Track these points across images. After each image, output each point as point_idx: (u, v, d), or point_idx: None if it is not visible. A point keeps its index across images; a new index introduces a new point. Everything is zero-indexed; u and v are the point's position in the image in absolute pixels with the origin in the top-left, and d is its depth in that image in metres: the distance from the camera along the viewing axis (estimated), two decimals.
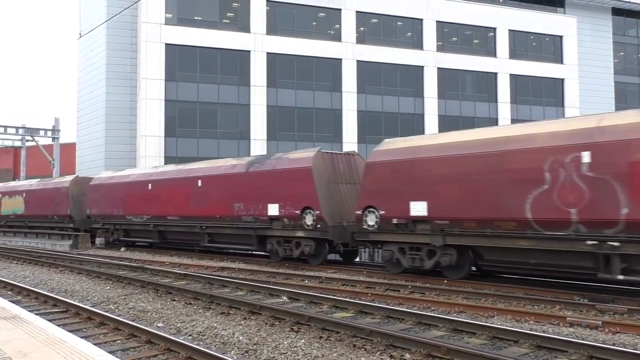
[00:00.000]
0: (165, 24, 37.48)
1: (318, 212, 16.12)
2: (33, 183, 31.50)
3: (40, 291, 12.20)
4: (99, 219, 25.77)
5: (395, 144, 14.77)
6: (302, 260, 17.52)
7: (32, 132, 45.81)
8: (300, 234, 16.79)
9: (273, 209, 17.51)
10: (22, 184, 33.77)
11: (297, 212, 16.64)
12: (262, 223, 17.96)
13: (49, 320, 8.42)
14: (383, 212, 14.34)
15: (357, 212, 15.03)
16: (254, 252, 20.38)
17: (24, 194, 31.32)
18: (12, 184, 36.11)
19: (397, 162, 14.16)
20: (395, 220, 14.09)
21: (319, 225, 16.20)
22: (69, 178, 28.54)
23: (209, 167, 20.82)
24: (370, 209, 14.65)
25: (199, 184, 20.42)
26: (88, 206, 26.27)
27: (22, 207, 31.33)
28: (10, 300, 10.48)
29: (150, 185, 22.78)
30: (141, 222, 23.34)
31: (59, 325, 8.07)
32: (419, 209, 13.44)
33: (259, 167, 18.37)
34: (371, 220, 14.66)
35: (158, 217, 22.36)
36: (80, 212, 27.02)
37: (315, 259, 16.97)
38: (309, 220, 16.47)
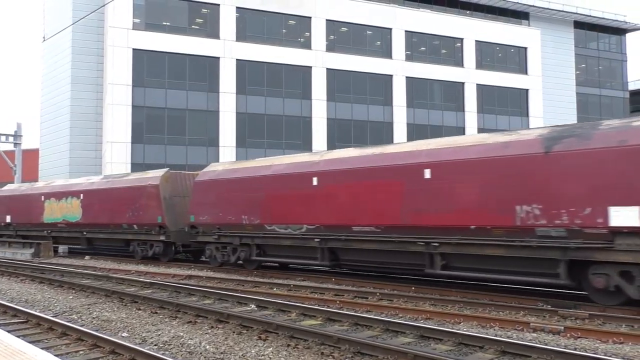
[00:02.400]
0: (133, 29, 37.03)
1: None
2: (95, 181, 24.65)
3: None
4: (212, 230, 18.48)
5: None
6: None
7: None
8: None
9: None
10: (78, 182, 26.12)
11: None
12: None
13: (9, 331, 8.18)
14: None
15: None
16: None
17: (82, 196, 24.36)
18: (61, 182, 28.21)
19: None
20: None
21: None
22: (158, 173, 21.50)
23: (449, 147, 12.82)
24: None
25: (427, 175, 12.84)
26: (191, 211, 19.22)
27: (79, 213, 24.33)
28: None
29: (316, 179, 15.37)
30: (294, 235, 15.88)
31: (18, 337, 7.85)
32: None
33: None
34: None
35: (333, 228, 14.87)
36: (176, 220, 20.59)
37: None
38: None
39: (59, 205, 25.62)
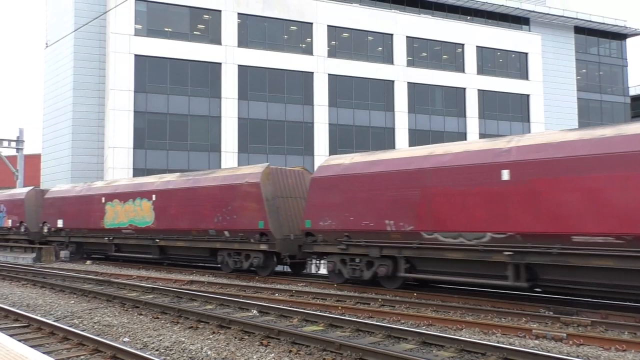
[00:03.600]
0: (135, 35, 37.14)
1: None
2: (171, 179, 20.97)
3: (1, 305, 11.82)
4: (337, 238, 14.83)
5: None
6: None
7: None
8: None
9: None
10: (148, 180, 22.45)
11: None
12: None
13: (10, 336, 8.17)
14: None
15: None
16: None
17: (154, 197, 20.94)
18: (125, 181, 24.34)
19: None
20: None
21: None
22: (256, 169, 17.66)
23: None
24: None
25: None
26: (308, 215, 15.59)
27: (150, 217, 21.06)
28: None
29: (507, 172, 11.59)
30: (468, 246, 12.25)
31: (20, 341, 7.84)
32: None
33: None
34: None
35: (536, 238, 11.17)
36: (280, 226, 16.98)
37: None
38: None
39: (125, 208, 22.17)
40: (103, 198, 23.52)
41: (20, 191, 29.95)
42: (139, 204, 21.48)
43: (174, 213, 19.93)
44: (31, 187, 29.57)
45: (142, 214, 21.31)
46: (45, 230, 26.98)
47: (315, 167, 18.52)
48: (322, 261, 16.82)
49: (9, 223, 29.60)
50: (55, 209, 26.42)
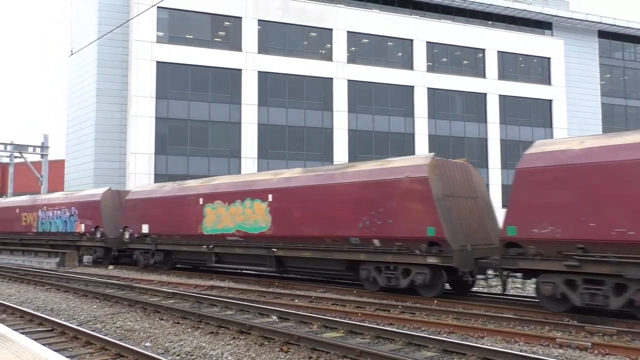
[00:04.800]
0: (157, 42, 37.63)
1: None
2: (293, 175, 17.41)
3: (25, 310, 12.01)
4: (565, 250, 10.99)
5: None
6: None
7: (21, 148, 45.53)
8: None
9: None
10: (261, 177, 18.78)
11: None
12: None
13: (35, 340, 8.29)
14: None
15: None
16: None
17: (270, 197, 17.38)
18: (229, 179, 20.70)
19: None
20: None
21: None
22: (419, 160, 14.25)
23: None
24: None
25: None
26: (514, 219, 11.74)
27: (265, 222, 17.45)
28: None
29: None
30: None
31: (44, 345, 7.95)
32: None
33: None
34: None
35: None
36: (455, 233, 13.35)
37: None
38: None
39: (231, 211, 18.65)
40: (201, 199, 20.05)
41: (95, 192, 26.82)
42: (250, 205, 17.95)
43: (299, 217, 16.40)
44: (107, 188, 26.57)
45: (253, 217, 17.74)
46: (127, 236, 23.62)
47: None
48: (524, 279, 12.70)
49: (82, 228, 26.13)
50: (139, 212, 23.08)
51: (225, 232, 18.84)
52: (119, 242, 24.32)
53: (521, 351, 8.19)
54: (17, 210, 31.71)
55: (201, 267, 22.00)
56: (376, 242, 14.48)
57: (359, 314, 11.60)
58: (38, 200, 30.74)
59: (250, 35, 39.71)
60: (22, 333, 8.99)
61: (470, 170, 14.90)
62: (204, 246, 19.73)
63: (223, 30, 39.98)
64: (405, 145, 42.44)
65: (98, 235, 25.27)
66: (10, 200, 35.31)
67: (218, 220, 19.20)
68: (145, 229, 22.66)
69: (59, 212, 28.18)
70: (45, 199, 30.61)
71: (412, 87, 43.44)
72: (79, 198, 27.23)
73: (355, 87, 41.83)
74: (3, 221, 33.07)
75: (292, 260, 17.24)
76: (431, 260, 13.31)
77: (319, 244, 15.86)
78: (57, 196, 29.80)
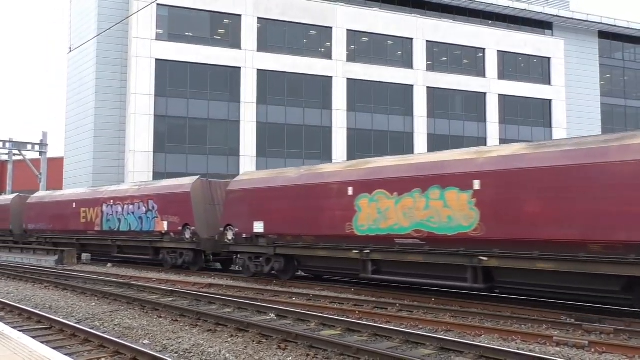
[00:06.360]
0: (156, 40, 37.60)
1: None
2: (509, 153, 12.47)
3: (24, 307, 12.03)
4: None
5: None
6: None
7: (20, 146, 45.52)
8: None
9: None
10: (458, 157, 13.45)
11: None
12: None
13: (33, 337, 8.30)
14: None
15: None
16: None
17: (477, 184, 12.51)
18: (391, 161, 15.07)
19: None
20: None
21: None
22: None
23: None
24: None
25: None
26: None
27: (466, 218, 12.49)
28: None
29: None
30: None
31: (42, 342, 7.95)
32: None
33: None
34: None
35: None
36: None
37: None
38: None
39: (403, 203, 13.79)
40: (350, 188, 15.04)
41: (181, 182, 22.04)
42: (439, 196, 13.07)
43: (534, 211, 11.43)
44: (196, 177, 21.73)
45: (446, 213, 12.91)
46: (230, 237, 18.74)
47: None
48: None
49: (164, 226, 21.61)
50: (250, 206, 18.12)
51: (395, 232, 13.90)
52: (213, 243, 19.93)
53: (518, 349, 8.21)
54: (74, 205, 27.07)
55: (345, 278, 17.17)
56: None
57: (357, 312, 11.62)
58: (103, 193, 25.91)
59: (249, 33, 39.68)
60: (21, 331, 9.01)
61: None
62: (355, 251, 14.77)
63: (222, 28, 39.95)
64: (405, 144, 42.45)
65: (187, 235, 20.60)
66: (64, 194, 30.61)
67: (381, 216, 14.24)
68: (258, 227, 17.74)
69: (131, 206, 23.46)
70: (112, 190, 25.73)
71: (412, 86, 43.45)
72: (159, 189, 22.57)
73: (355, 86, 41.83)
74: (55, 218, 28.59)
75: (514, 274, 12.09)
76: None
77: (574, 252, 10.83)
78: (127, 187, 25.23)
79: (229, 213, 18.95)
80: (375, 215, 14.36)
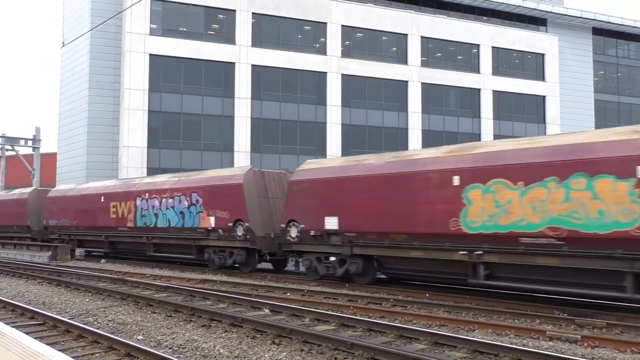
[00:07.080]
0: (150, 35, 37.42)
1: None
2: None
3: (17, 303, 11.97)
4: None
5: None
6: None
7: (12, 141, 45.21)
8: None
9: None
10: (607, 138, 10.84)
11: None
12: None
13: (26, 333, 8.26)
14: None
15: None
16: None
17: None
18: (515, 143, 12.52)
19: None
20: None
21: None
22: None
23: None
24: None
25: None
26: None
27: (633, 213, 10.01)
28: None
29: None
30: None
31: (35, 338, 7.92)
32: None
33: None
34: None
35: None
36: None
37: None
38: None
39: (532, 195, 11.43)
40: (457, 177, 12.69)
41: (231, 172, 19.89)
42: (585, 186, 10.65)
43: None
44: (248, 167, 19.76)
45: (595, 206, 10.52)
46: (294, 234, 16.60)
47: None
48: None
49: (211, 222, 19.34)
50: (318, 198, 15.88)
51: (519, 230, 11.59)
52: (269, 241, 17.88)
53: (511, 344, 8.25)
54: (102, 199, 24.94)
55: (445, 283, 14.47)
56: None
57: (351, 308, 11.65)
58: (136, 185, 23.63)
59: (244, 28, 39.55)
60: (13, 327, 8.96)
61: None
62: (462, 252, 12.47)
63: (217, 23, 39.81)
64: (399, 140, 42.50)
65: (239, 233, 18.34)
66: (90, 186, 27.81)
67: (500, 210, 11.88)
68: (331, 223, 15.58)
69: (170, 200, 21.07)
70: (146, 183, 23.44)
71: (406, 82, 43.46)
72: (205, 181, 20.15)
73: (349, 82, 41.80)
74: (80, 213, 26.56)
75: None
76: None
77: None
78: (164, 179, 22.64)
79: (293, 207, 16.56)
80: (493, 210, 11.99)
